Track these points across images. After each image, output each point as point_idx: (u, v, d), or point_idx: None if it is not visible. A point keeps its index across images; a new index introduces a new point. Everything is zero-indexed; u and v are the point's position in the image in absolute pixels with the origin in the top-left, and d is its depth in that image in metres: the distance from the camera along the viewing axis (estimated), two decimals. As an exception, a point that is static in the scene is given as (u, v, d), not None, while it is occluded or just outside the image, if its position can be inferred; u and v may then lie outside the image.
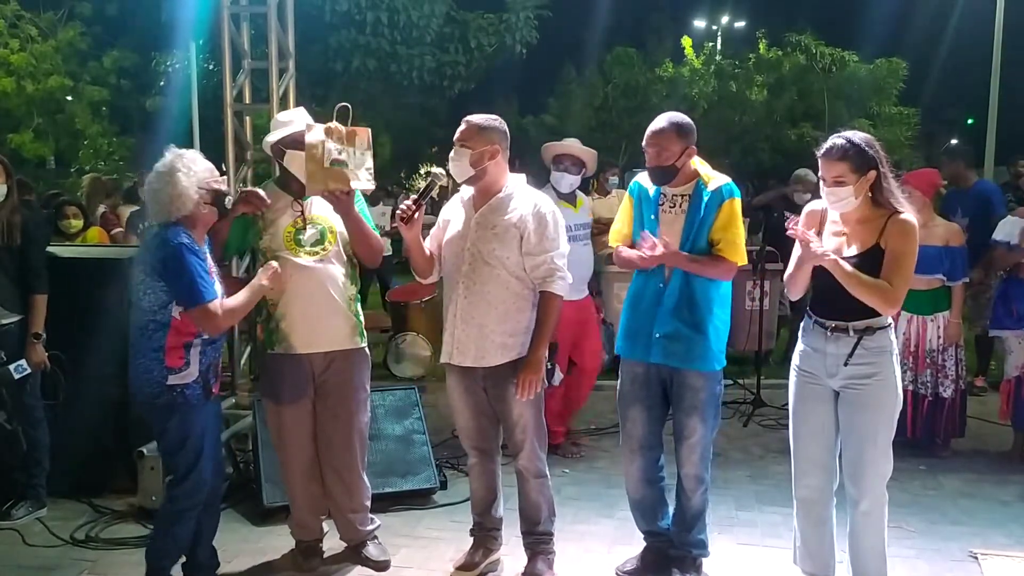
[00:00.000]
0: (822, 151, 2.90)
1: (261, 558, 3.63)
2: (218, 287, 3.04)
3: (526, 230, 3.15)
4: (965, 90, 24.29)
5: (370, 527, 3.61)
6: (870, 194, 2.89)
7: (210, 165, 3.10)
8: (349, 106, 3.31)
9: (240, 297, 3.10)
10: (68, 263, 4.34)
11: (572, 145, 5.07)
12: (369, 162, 3.30)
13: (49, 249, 4.35)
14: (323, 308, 3.34)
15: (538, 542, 3.41)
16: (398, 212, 3.20)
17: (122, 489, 4.16)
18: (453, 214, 3.33)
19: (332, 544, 3.66)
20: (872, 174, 2.86)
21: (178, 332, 2.97)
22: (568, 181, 4.90)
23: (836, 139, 2.91)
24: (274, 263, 3.20)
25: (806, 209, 3.13)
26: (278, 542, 3.70)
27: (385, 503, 4.16)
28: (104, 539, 3.81)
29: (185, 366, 2.99)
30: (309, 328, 3.33)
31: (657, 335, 3.18)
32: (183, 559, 3.25)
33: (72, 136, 16.13)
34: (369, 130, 3.33)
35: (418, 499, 4.26)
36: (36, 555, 3.70)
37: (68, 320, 4.10)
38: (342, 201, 3.25)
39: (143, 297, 2.97)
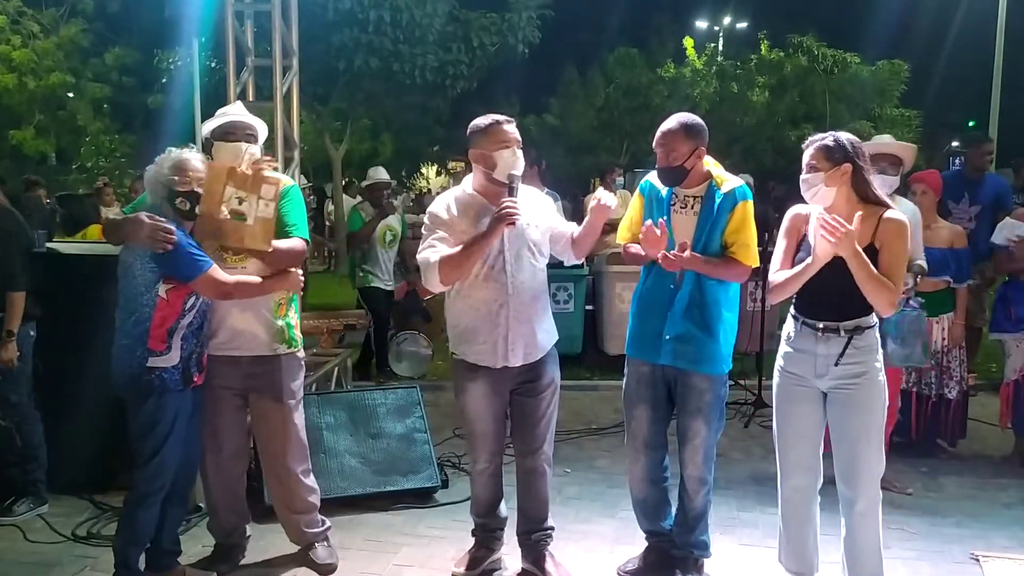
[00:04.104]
0: (805, 143, 3.00)
1: (263, 556, 3.63)
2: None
3: (550, 213, 3.32)
4: (967, 92, 24.30)
5: (317, 529, 3.57)
6: (854, 192, 2.91)
7: (180, 165, 3.09)
8: (258, 152, 3.22)
9: (255, 279, 3.21)
10: (70, 259, 4.35)
11: (890, 143, 4.50)
12: (271, 213, 3.15)
13: (51, 245, 4.37)
14: (240, 316, 3.29)
15: (546, 536, 3.43)
16: (506, 215, 2.99)
17: (124, 486, 4.12)
18: (473, 217, 3.16)
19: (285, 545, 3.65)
20: (847, 167, 2.89)
21: (163, 315, 3.05)
22: (888, 183, 4.17)
23: (819, 134, 3.01)
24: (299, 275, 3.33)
25: (791, 212, 3.10)
26: (280, 540, 3.69)
27: (386, 502, 4.17)
28: (105, 536, 3.78)
29: (167, 351, 3.07)
30: (227, 334, 3.31)
31: (667, 337, 3.18)
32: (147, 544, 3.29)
33: (73, 133, 16.15)
34: (280, 183, 3.19)
35: (419, 498, 4.25)
36: (37, 551, 3.70)
37: (70, 316, 4.10)
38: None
39: (133, 278, 3.05)
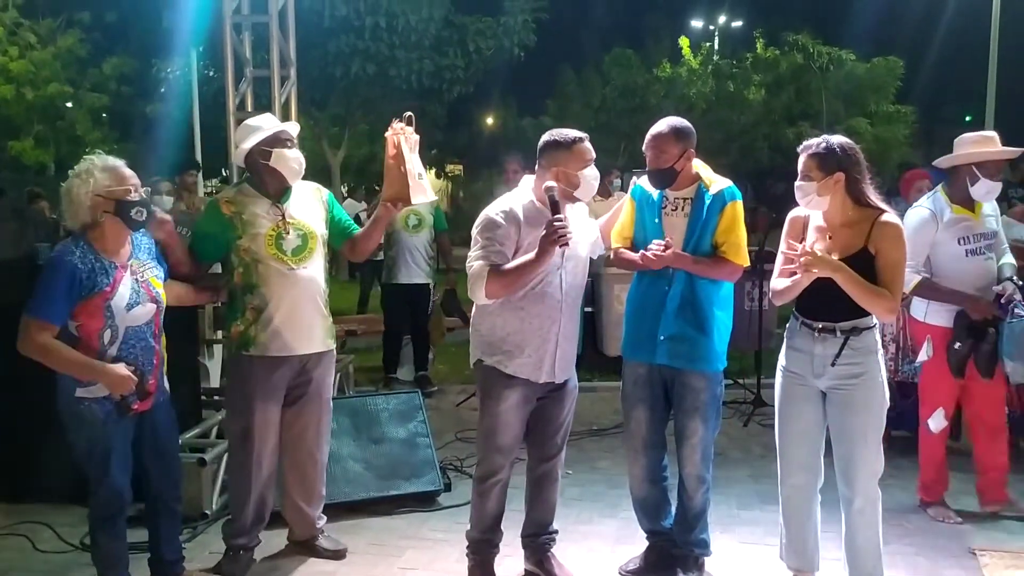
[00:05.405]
0: (800, 147, 3.02)
1: (268, 558, 3.66)
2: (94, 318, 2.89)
3: (589, 224, 3.35)
4: (962, 87, 24.34)
5: (322, 521, 3.72)
6: (849, 197, 2.94)
7: (118, 173, 2.94)
8: (412, 115, 3.42)
9: (67, 350, 2.87)
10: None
11: (1002, 151, 3.90)
12: (423, 167, 3.48)
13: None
14: (305, 314, 3.39)
15: (550, 540, 3.45)
16: (560, 236, 2.87)
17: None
18: (539, 229, 2.99)
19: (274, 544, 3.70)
20: (839, 176, 2.91)
21: (85, 346, 2.91)
22: (998, 189, 3.93)
23: (813, 138, 3.02)
24: (130, 379, 2.94)
25: (790, 216, 3.15)
26: (282, 543, 3.74)
27: (389, 506, 4.20)
28: (113, 544, 3.83)
29: (94, 381, 2.94)
30: (290, 333, 3.35)
31: (662, 337, 3.21)
32: (148, 555, 3.33)
33: (73, 143, 16.17)
34: (418, 138, 3.47)
35: (422, 502, 4.28)
36: (46, 561, 3.74)
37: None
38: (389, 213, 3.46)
39: None
